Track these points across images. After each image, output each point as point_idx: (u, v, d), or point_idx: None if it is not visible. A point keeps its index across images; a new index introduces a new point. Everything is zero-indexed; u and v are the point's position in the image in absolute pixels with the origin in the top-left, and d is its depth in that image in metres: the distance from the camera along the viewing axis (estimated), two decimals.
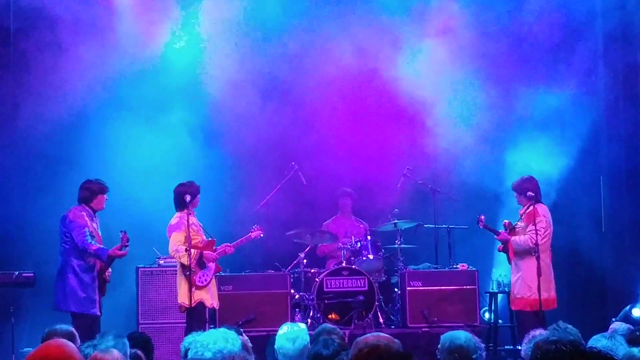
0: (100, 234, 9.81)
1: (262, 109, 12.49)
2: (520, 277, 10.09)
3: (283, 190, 12.12)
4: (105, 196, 9.85)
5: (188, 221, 9.47)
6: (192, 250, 9.44)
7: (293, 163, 12.15)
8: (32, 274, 10.32)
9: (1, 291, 10.44)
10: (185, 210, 9.62)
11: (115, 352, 4.31)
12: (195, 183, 9.90)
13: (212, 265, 9.79)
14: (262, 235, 10.41)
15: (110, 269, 9.84)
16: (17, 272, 10.31)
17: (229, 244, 10.03)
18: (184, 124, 12.44)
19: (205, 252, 9.70)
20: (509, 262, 10.38)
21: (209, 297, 9.69)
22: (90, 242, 9.50)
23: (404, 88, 12.38)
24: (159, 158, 12.29)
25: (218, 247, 9.96)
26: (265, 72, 12.62)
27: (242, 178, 12.45)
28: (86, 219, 9.63)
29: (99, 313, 9.60)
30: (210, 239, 9.91)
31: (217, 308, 10.01)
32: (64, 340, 3.83)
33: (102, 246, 9.57)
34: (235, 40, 12.57)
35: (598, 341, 5.51)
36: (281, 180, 12.13)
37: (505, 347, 11.19)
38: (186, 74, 12.54)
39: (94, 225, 9.74)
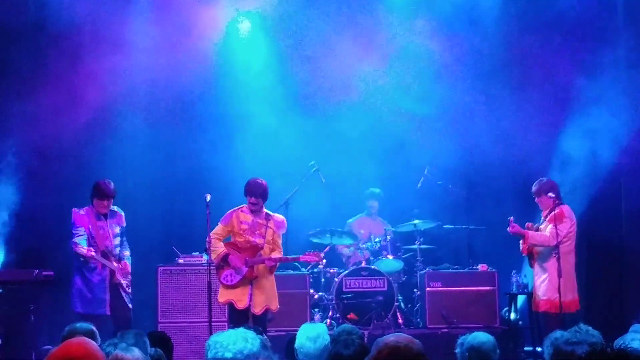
0: (111, 234, 9.83)
1: (282, 109, 12.50)
2: (547, 279, 9.97)
3: (303, 189, 12.11)
4: (101, 201, 9.73)
5: (205, 216, 9.30)
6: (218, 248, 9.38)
7: (313, 162, 12.14)
8: (52, 273, 10.35)
9: (21, 289, 10.45)
10: (246, 205, 9.49)
11: (137, 351, 4.29)
12: (253, 182, 9.46)
13: (243, 268, 9.33)
14: (318, 263, 9.93)
15: (118, 278, 9.84)
16: (37, 271, 10.33)
17: (271, 257, 9.39)
18: (204, 125, 12.47)
19: (232, 255, 9.34)
20: (531, 265, 10.31)
21: (245, 299, 9.30)
22: (78, 243, 9.51)
23: (425, 86, 12.34)
24: (179, 160, 12.34)
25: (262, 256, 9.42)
26: (285, 74, 12.62)
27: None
28: (86, 218, 9.69)
29: (108, 312, 9.62)
30: (260, 244, 9.40)
31: (266, 310, 9.47)
32: (86, 339, 3.82)
33: (90, 252, 9.49)
34: (254, 46, 12.60)
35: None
36: (301, 180, 12.13)
37: (525, 348, 11.13)
38: (205, 76, 12.58)
39: (100, 224, 9.78)
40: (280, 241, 9.61)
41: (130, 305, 9.87)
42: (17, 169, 11.62)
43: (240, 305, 9.34)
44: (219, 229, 9.48)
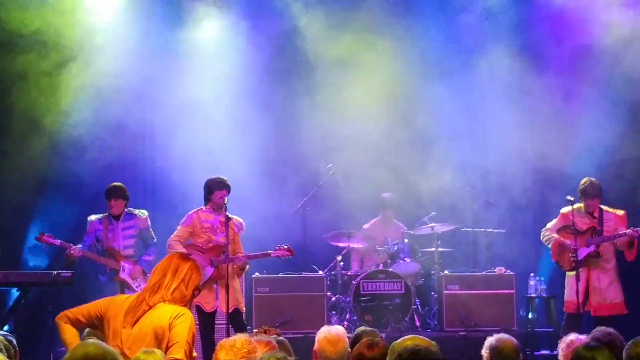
0: (120, 236, 9.91)
1: (299, 109, 12.48)
2: (614, 281, 9.78)
3: (320, 192, 12.10)
4: (108, 201, 9.99)
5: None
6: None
7: (330, 165, 12.13)
8: (70, 274, 10.37)
9: (39, 290, 10.50)
10: (207, 206, 9.50)
11: (158, 352, 4.31)
12: (217, 179, 9.47)
13: (208, 268, 9.18)
14: (288, 257, 9.62)
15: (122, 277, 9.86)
16: (55, 272, 10.34)
17: (239, 255, 9.30)
18: (218, 122, 12.46)
19: (196, 257, 8.83)
20: (578, 267, 9.59)
21: (212, 301, 9.21)
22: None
23: (445, 90, 12.31)
24: (190, 156, 12.36)
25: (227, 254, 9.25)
26: (301, 72, 12.61)
27: (279, 180, 12.45)
28: (97, 223, 10.00)
29: None
30: (220, 244, 9.30)
31: (236, 309, 9.32)
32: (99, 341, 3.86)
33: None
34: (266, 42, 12.59)
35: None
36: (318, 183, 12.12)
37: (543, 351, 11.09)
38: (220, 68, 12.58)
39: (111, 227, 9.95)
40: (239, 242, 9.51)
41: None
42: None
43: (208, 307, 9.29)
44: (179, 231, 9.49)
